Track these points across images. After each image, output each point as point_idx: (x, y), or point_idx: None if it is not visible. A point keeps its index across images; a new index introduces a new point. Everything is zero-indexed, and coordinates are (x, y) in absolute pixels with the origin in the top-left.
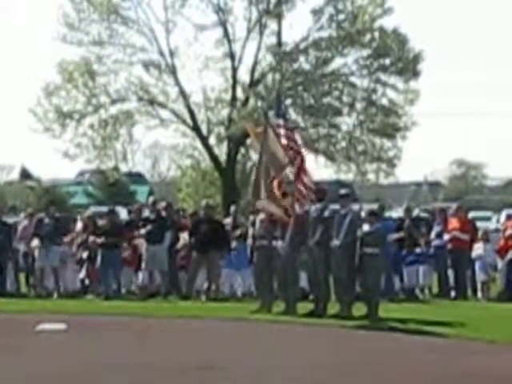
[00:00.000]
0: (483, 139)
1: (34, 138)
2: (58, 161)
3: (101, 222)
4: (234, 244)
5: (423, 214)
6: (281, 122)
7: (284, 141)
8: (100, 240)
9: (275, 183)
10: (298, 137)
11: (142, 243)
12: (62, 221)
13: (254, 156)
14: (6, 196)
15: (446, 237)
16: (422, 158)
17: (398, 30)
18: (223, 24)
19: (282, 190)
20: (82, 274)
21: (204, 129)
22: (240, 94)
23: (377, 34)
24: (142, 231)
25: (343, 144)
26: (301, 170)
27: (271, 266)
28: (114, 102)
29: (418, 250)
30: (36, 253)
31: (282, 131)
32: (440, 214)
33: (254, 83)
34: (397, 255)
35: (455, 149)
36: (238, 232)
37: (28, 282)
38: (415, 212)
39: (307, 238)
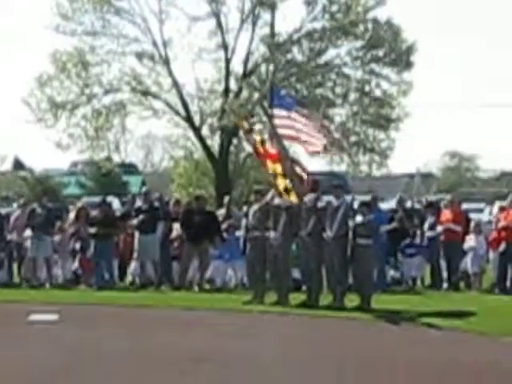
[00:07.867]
0: (476, 131)
1: (26, 128)
2: (51, 151)
3: (93, 213)
4: (224, 235)
5: (417, 206)
6: (275, 112)
7: (282, 130)
8: (92, 230)
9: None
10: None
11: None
12: (55, 211)
13: (247, 147)
14: None
15: (439, 228)
16: (414, 149)
17: (391, 21)
18: (216, 15)
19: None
20: (75, 265)
21: (197, 120)
22: (233, 85)
23: (370, 25)
24: (134, 221)
25: (336, 135)
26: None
27: (264, 257)
28: (106, 92)
29: (416, 242)
30: (28, 243)
31: (277, 121)
32: (432, 206)
33: (247, 74)
34: (389, 246)
35: (448, 140)
36: (225, 224)
37: (20, 272)
38: (408, 203)
39: (300, 229)
